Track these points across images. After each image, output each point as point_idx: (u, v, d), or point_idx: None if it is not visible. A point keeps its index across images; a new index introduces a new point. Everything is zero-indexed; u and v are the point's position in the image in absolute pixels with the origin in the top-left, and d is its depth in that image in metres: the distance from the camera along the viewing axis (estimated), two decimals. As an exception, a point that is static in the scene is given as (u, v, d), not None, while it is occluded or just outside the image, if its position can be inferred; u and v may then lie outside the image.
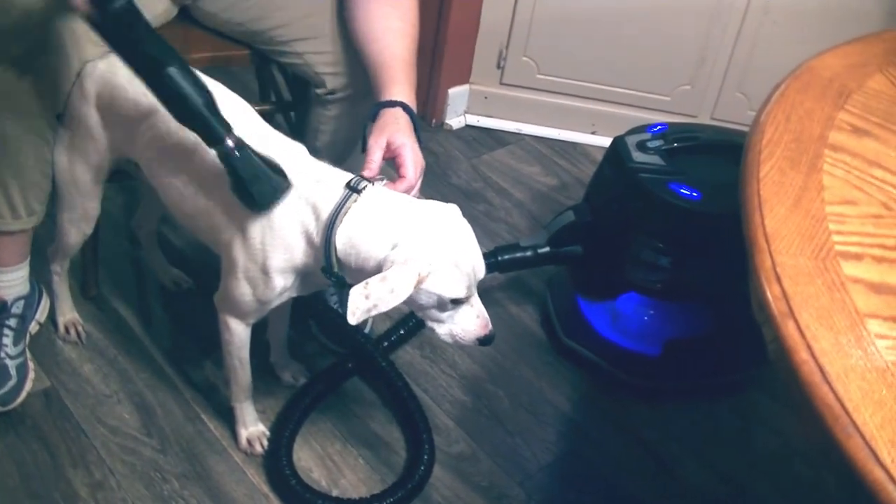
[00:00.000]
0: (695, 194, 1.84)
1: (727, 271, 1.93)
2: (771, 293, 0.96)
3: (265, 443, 1.78)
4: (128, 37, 1.32)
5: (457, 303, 1.37)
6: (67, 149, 1.66)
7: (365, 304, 1.27)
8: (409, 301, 1.33)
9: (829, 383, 0.86)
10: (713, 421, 2.01)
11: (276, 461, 1.73)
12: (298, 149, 1.51)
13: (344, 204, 1.36)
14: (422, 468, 1.77)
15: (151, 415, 1.83)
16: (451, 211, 1.40)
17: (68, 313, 1.96)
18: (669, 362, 2.01)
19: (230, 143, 1.34)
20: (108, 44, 1.34)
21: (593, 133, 2.88)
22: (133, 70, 1.35)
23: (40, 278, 1.90)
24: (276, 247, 1.42)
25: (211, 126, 1.34)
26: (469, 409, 1.97)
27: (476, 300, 1.40)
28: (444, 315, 1.39)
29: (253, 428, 1.78)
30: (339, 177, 1.42)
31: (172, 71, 1.31)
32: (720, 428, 2.00)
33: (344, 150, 1.83)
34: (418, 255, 1.30)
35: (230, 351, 1.64)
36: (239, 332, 1.60)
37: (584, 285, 2.09)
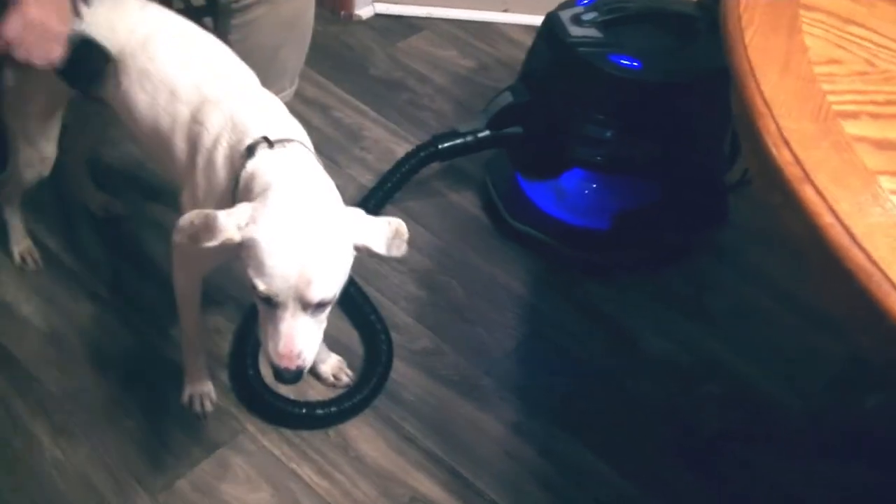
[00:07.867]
0: (635, 64, 1.82)
1: (671, 138, 1.94)
2: (782, 159, 0.94)
3: (208, 405, 1.67)
4: None
5: (267, 302, 1.16)
6: (14, 90, 1.52)
7: (188, 228, 1.15)
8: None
9: (857, 244, 0.86)
10: (666, 290, 2.03)
11: (244, 376, 1.69)
12: (248, 76, 1.45)
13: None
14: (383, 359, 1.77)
15: (102, 349, 1.76)
16: (337, 213, 1.20)
17: (22, 241, 1.88)
18: (619, 235, 2.01)
19: None
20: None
21: (505, 11, 2.80)
22: None
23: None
24: (209, 201, 1.33)
25: None
26: (426, 303, 1.95)
27: (290, 318, 1.16)
28: (264, 316, 1.19)
29: (198, 385, 1.67)
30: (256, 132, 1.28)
31: None
32: (674, 295, 2.02)
33: (258, 63, 1.72)
34: (243, 211, 1.16)
35: (178, 300, 1.55)
36: (184, 283, 1.51)
37: (527, 165, 2.06)
